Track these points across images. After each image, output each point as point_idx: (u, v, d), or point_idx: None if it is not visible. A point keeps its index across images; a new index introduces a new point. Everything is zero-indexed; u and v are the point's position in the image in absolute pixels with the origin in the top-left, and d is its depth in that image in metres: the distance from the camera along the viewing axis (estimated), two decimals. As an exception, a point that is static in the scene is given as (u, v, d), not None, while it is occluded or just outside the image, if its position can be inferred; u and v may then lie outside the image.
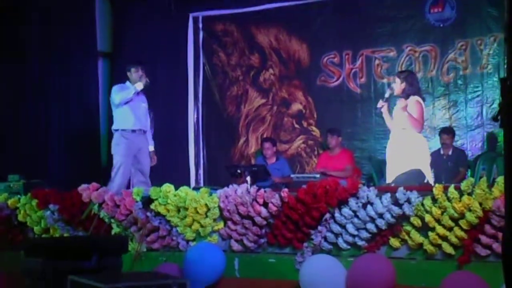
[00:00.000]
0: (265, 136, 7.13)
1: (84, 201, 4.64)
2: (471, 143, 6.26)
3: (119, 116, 5.44)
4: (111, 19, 7.49)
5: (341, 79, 6.91)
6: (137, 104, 5.49)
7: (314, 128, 7.08)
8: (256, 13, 7.17)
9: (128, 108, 5.41)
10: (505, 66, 1.64)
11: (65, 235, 4.67)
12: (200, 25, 7.46)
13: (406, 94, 4.76)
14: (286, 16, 7.11)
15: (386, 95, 4.88)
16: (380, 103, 4.87)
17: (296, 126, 7.15)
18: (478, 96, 6.27)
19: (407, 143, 4.70)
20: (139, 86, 5.46)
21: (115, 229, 4.56)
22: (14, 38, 6.50)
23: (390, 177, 4.78)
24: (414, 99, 4.73)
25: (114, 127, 5.47)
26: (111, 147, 5.47)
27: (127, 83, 5.58)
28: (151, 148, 5.67)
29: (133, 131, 5.44)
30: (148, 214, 4.44)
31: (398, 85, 4.81)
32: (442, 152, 6.04)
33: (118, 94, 5.42)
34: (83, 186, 4.71)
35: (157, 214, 4.43)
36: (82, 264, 3.41)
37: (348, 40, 6.84)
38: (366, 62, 6.79)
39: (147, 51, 7.34)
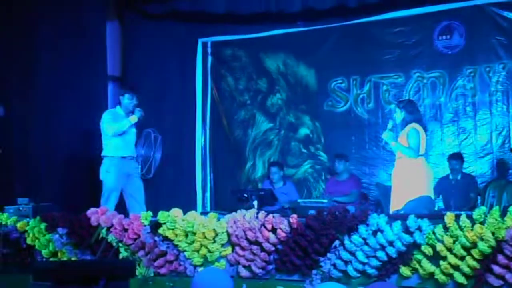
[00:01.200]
0: (272, 160, 7.12)
1: (93, 225, 4.63)
2: (481, 170, 6.22)
3: (109, 143, 5.47)
4: (122, 43, 7.57)
5: (348, 104, 6.92)
6: (127, 131, 5.51)
7: (321, 153, 7.06)
8: (264, 39, 7.22)
9: (118, 136, 5.44)
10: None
11: (73, 258, 4.64)
12: (209, 50, 7.52)
13: (405, 122, 4.80)
14: (294, 41, 7.15)
15: (389, 126, 4.92)
16: (385, 134, 4.90)
17: (304, 150, 7.14)
18: (487, 123, 6.25)
19: (409, 171, 4.71)
20: (134, 119, 5.48)
21: (123, 253, 4.53)
22: (23, 61, 6.57)
23: (395, 203, 4.77)
24: (409, 126, 4.76)
25: (103, 153, 5.50)
26: (100, 173, 5.49)
27: (118, 108, 5.58)
28: None
29: (123, 157, 5.45)
30: (156, 238, 4.42)
31: (398, 115, 4.88)
32: (451, 177, 6.02)
33: (111, 125, 5.43)
34: (92, 209, 4.70)
35: (165, 238, 4.41)
36: (88, 289, 3.38)
37: (356, 65, 6.87)
38: (374, 88, 6.80)
39: (156, 75, 7.41)
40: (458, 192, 5.89)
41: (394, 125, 4.92)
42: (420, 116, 5.04)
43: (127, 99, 5.54)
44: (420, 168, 4.75)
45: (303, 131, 7.15)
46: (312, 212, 4.23)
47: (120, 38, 7.56)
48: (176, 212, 4.42)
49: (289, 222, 4.08)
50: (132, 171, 5.56)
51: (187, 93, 7.45)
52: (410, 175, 4.69)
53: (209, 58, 7.52)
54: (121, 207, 5.45)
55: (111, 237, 4.56)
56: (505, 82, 6.15)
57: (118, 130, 5.43)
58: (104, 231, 4.59)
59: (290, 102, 7.22)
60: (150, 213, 4.58)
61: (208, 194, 7.40)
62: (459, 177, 6.00)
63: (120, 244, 4.54)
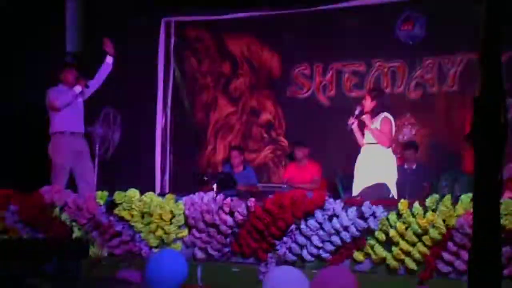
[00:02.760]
0: (233, 144, 7.10)
1: (46, 203, 4.52)
2: (435, 160, 6.37)
3: (57, 118, 5.32)
4: (81, 19, 7.36)
5: (310, 91, 6.95)
6: (74, 105, 5.38)
7: (282, 138, 7.09)
8: (229, 21, 7.15)
9: (66, 110, 5.31)
10: (478, 85, 1.66)
11: (25, 237, 4.53)
12: (172, 30, 7.39)
13: (375, 112, 4.85)
14: (259, 26, 7.11)
15: (356, 112, 4.95)
16: (351, 120, 4.93)
17: (265, 135, 7.15)
18: (444, 114, 6.39)
19: (376, 158, 4.79)
20: (78, 89, 5.37)
21: (77, 233, 4.45)
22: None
23: (357, 191, 4.83)
24: (383, 115, 4.82)
25: (51, 130, 5.34)
26: (49, 151, 5.33)
27: (60, 86, 5.46)
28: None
29: (72, 133, 5.33)
30: (111, 218, 4.36)
31: (368, 103, 4.90)
32: (406, 166, 6.14)
33: (57, 98, 5.30)
34: (46, 187, 4.59)
35: (121, 219, 4.35)
36: (39, 268, 3.32)
37: (319, 52, 6.88)
38: (336, 76, 6.85)
39: (117, 54, 7.22)
40: (413, 180, 6.02)
41: (361, 112, 4.94)
42: (389, 105, 5.10)
43: (67, 73, 5.44)
44: (388, 156, 4.84)
45: (265, 116, 7.15)
46: (270, 196, 4.25)
47: (80, 15, 7.34)
48: (133, 192, 4.37)
49: (246, 205, 4.09)
50: (82, 149, 5.40)
51: (149, 73, 7.31)
52: (376, 163, 4.76)
53: (172, 38, 7.39)
54: (74, 188, 5.30)
55: (64, 216, 4.47)
56: (463, 74, 6.28)
57: (64, 101, 5.29)
58: (57, 209, 4.50)
59: (253, 86, 7.20)
60: (106, 192, 4.51)
61: (167, 176, 7.33)
62: (414, 166, 6.13)
63: (74, 224, 4.46)
